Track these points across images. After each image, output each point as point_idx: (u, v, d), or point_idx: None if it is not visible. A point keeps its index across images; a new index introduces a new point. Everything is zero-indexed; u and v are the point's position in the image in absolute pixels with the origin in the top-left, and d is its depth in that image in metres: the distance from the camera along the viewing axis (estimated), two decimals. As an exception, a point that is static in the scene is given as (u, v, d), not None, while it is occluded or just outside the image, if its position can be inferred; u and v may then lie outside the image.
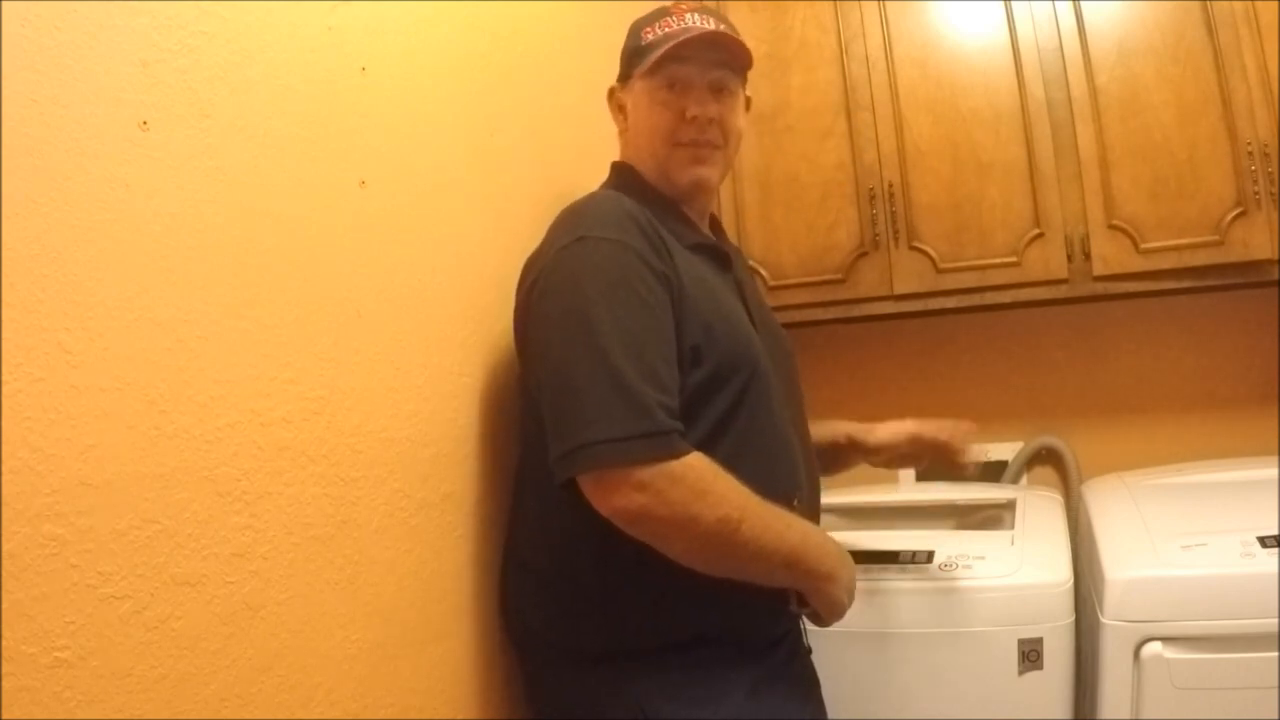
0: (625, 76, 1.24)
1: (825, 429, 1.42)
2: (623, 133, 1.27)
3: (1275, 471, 1.59)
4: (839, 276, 1.92)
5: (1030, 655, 1.38)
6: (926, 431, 1.41)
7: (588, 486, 0.98)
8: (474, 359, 1.22)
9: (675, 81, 1.17)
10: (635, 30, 1.24)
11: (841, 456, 1.45)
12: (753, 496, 1.02)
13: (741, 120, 1.24)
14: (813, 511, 1.21)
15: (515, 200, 1.35)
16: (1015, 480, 2.08)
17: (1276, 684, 1.26)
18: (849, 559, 1.15)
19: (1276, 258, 1.65)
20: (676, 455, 0.97)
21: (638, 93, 1.21)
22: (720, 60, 1.18)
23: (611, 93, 1.28)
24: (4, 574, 0.63)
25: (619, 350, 0.98)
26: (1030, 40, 1.80)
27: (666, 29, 1.18)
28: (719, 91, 1.19)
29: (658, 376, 1.00)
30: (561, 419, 1.00)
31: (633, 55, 1.22)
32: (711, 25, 1.17)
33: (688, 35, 1.15)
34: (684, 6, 1.20)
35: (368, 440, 1.01)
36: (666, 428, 0.98)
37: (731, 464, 1.02)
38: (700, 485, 0.98)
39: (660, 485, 0.96)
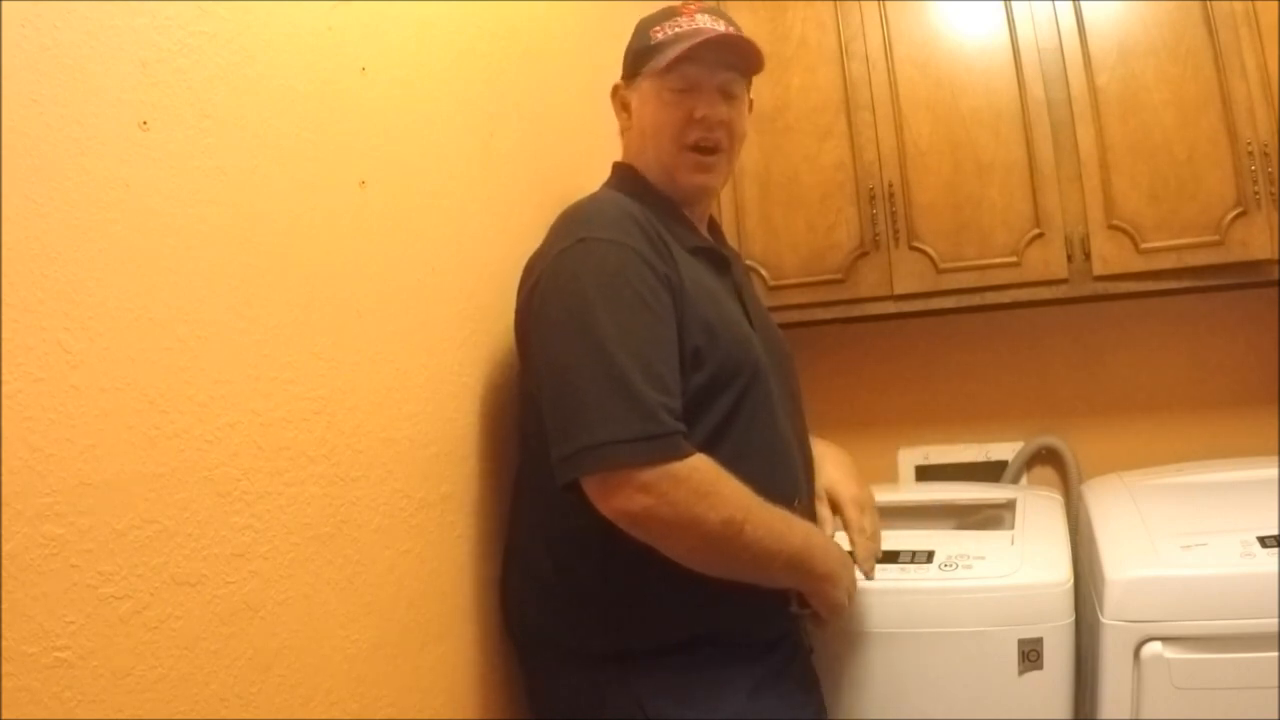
0: (631, 75, 1.24)
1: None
2: (625, 131, 1.27)
3: (1275, 471, 1.58)
4: (839, 276, 1.92)
5: (1030, 655, 1.38)
6: (843, 503, 1.31)
7: (591, 488, 0.98)
8: (474, 359, 1.22)
9: (686, 82, 1.17)
10: (643, 29, 1.23)
11: None
12: (755, 498, 1.02)
13: (746, 123, 1.24)
14: (812, 513, 1.21)
15: (515, 200, 1.35)
16: (1015, 480, 2.08)
17: (1276, 684, 1.26)
18: (849, 560, 1.16)
19: (1276, 258, 1.65)
20: (680, 457, 0.97)
21: (645, 92, 1.21)
22: (731, 63, 1.18)
23: (615, 90, 1.27)
24: (4, 574, 0.63)
25: (621, 352, 0.98)
26: (1030, 40, 1.80)
27: (677, 29, 1.18)
28: (727, 94, 1.19)
29: (660, 378, 0.99)
30: (564, 421, 0.99)
31: (640, 54, 1.22)
32: (723, 28, 1.17)
33: (703, 37, 1.15)
34: (692, 7, 1.20)
35: (368, 440, 1.01)
36: (670, 429, 0.97)
37: (732, 466, 1.02)
38: (704, 487, 0.98)
39: (664, 487, 0.96)
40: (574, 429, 0.98)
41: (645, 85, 1.21)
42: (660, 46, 1.18)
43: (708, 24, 1.17)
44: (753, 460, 1.08)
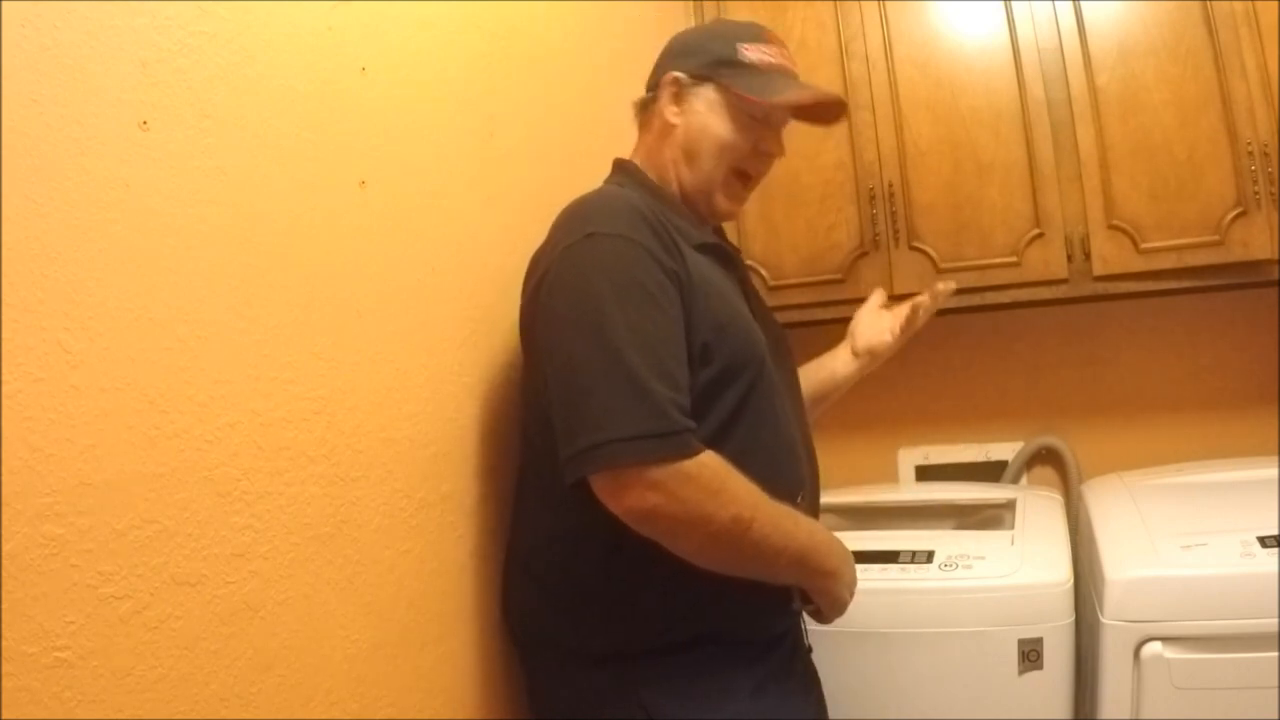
0: (703, 76, 1.19)
1: (816, 378, 1.48)
2: (663, 124, 1.21)
3: (1275, 471, 1.59)
4: (839, 276, 1.93)
5: (1030, 655, 1.39)
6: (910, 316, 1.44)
7: (600, 486, 0.98)
8: (474, 359, 1.22)
9: (767, 116, 1.19)
10: (728, 37, 1.20)
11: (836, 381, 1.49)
12: (763, 495, 1.02)
13: None
14: (814, 509, 1.21)
15: (515, 200, 1.35)
16: (1015, 480, 2.08)
17: (1276, 684, 1.26)
18: (851, 557, 1.16)
19: (1276, 258, 1.65)
20: (690, 454, 0.97)
21: (714, 101, 1.18)
22: (817, 117, 1.23)
23: (677, 82, 1.20)
24: (4, 574, 0.63)
25: (631, 348, 0.98)
26: (1030, 40, 1.81)
27: (768, 57, 1.18)
28: (781, 133, 1.23)
29: (670, 375, 0.99)
30: (573, 418, 0.99)
31: (724, 64, 1.18)
32: (822, 88, 1.22)
33: (818, 96, 1.19)
34: (775, 36, 1.22)
35: (368, 440, 1.01)
36: (680, 426, 0.97)
37: (738, 461, 1.02)
38: (714, 484, 0.98)
39: (674, 484, 0.96)
40: (583, 426, 0.97)
41: (716, 95, 1.18)
42: (753, 69, 1.17)
43: (788, 62, 1.21)
44: (758, 456, 1.08)
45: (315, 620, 0.91)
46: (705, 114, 1.18)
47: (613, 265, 1.03)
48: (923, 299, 1.41)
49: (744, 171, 1.21)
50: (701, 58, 1.20)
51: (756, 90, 1.16)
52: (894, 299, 1.87)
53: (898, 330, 1.44)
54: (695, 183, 1.20)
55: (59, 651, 0.67)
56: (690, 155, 1.19)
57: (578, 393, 0.99)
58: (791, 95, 1.18)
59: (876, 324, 1.48)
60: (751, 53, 1.18)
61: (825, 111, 1.24)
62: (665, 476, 0.95)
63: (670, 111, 1.20)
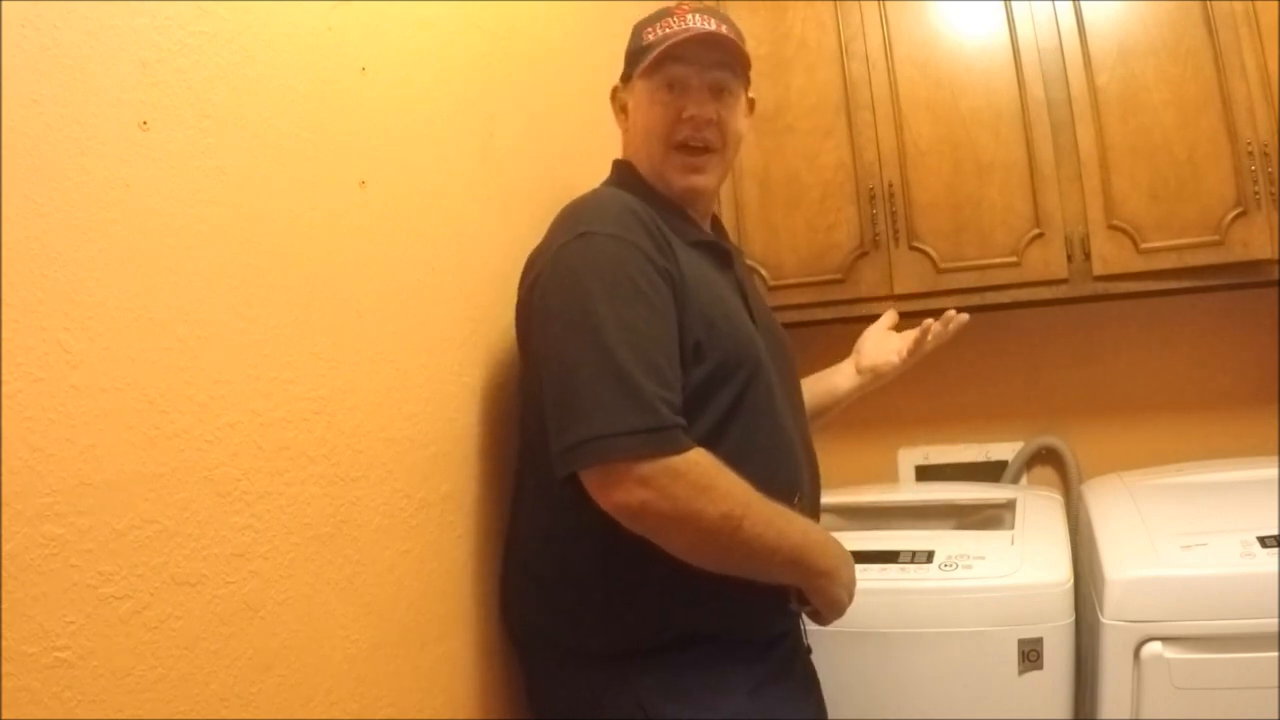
0: (627, 77, 1.25)
1: (816, 390, 1.48)
2: (625, 133, 1.27)
3: (1275, 471, 1.59)
4: (839, 276, 1.93)
5: (1030, 655, 1.39)
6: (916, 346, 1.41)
7: (590, 481, 0.98)
8: (474, 359, 1.22)
9: (674, 82, 1.17)
10: (638, 30, 1.24)
11: (837, 396, 1.49)
12: (755, 493, 1.02)
13: (741, 122, 1.23)
14: (813, 510, 1.21)
15: (515, 200, 1.35)
16: (1015, 480, 2.08)
17: (1276, 684, 1.26)
18: (849, 557, 1.16)
19: (1276, 258, 1.65)
20: (679, 450, 0.98)
21: (638, 93, 1.21)
22: (719, 61, 1.18)
23: (614, 93, 1.28)
24: (4, 574, 0.63)
25: (622, 346, 0.98)
26: (1030, 40, 1.81)
27: (666, 29, 1.17)
28: (719, 93, 1.19)
29: (660, 372, 1.00)
30: (564, 414, 0.99)
31: (634, 55, 1.22)
32: (711, 26, 1.17)
33: (684, 35, 1.15)
34: (686, 7, 1.20)
35: (368, 440, 1.01)
36: (669, 423, 0.98)
37: (733, 461, 1.02)
38: (703, 481, 0.98)
39: (663, 480, 0.96)
40: (573, 422, 0.98)
41: (638, 86, 1.21)
42: (650, 47, 1.18)
43: (697, 23, 1.17)
44: (753, 455, 1.08)
45: (315, 620, 0.91)
46: (635, 110, 1.22)
47: (604, 264, 1.03)
48: (933, 323, 1.39)
49: (681, 143, 1.18)
50: (626, 61, 1.25)
51: (645, 63, 1.18)
52: (894, 299, 1.88)
53: (904, 353, 1.43)
54: (652, 173, 1.21)
55: (59, 651, 0.67)
56: (640, 150, 1.22)
57: (569, 390, 0.99)
58: (655, 52, 1.16)
59: (884, 344, 1.48)
60: (651, 34, 1.20)
61: (725, 54, 1.18)
62: (654, 472, 0.96)
63: (621, 122, 1.27)
